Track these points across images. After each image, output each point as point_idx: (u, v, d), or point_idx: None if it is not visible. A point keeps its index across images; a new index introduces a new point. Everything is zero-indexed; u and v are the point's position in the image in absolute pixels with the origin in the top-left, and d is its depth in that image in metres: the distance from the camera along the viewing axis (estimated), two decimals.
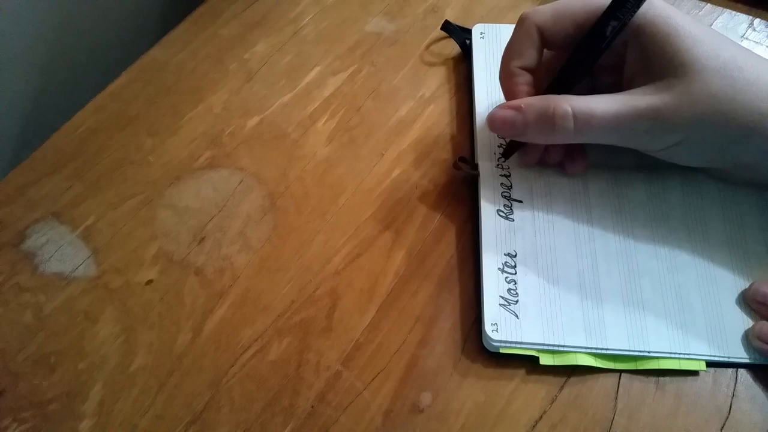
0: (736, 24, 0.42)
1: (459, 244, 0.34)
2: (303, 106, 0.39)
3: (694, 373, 0.29)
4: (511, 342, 0.29)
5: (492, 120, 0.31)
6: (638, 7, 0.28)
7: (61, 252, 0.34)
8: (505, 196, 0.34)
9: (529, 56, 0.31)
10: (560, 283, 0.31)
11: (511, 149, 0.34)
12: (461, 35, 0.41)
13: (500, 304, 0.30)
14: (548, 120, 0.29)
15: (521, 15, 0.32)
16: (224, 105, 0.40)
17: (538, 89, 0.32)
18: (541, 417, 0.29)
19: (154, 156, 0.37)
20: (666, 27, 0.28)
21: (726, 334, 0.29)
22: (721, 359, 0.29)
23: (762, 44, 0.41)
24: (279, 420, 0.29)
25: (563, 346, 0.29)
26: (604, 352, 0.29)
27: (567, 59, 0.31)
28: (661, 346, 0.29)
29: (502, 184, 0.34)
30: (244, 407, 0.29)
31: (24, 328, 0.31)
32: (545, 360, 0.29)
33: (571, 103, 0.29)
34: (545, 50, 0.32)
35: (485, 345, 0.30)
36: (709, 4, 0.43)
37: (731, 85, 0.27)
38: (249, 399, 0.29)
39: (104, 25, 0.49)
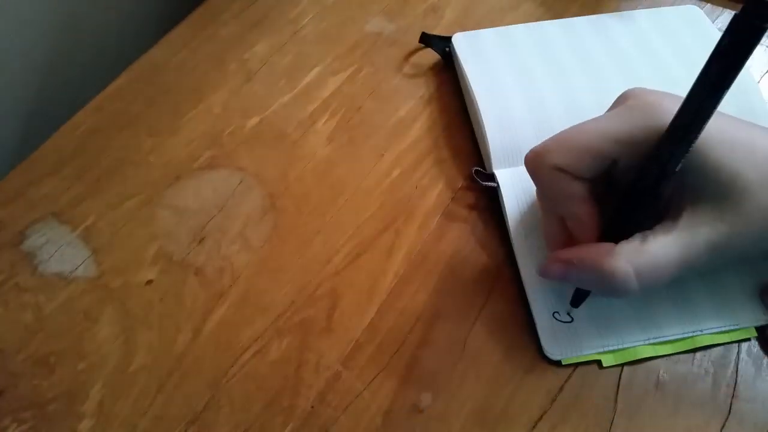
0: None
1: (459, 243, 0.34)
2: (303, 106, 0.39)
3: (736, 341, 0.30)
4: (571, 352, 0.29)
5: (546, 273, 0.28)
6: (684, 154, 0.25)
7: (61, 252, 0.34)
8: (529, 202, 0.33)
9: (576, 191, 0.28)
10: None
11: (580, 297, 0.30)
12: (440, 44, 0.41)
13: (553, 316, 0.30)
14: (605, 281, 0.26)
15: (528, 160, 0.28)
16: (224, 105, 0.40)
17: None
18: (541, 417, 0.29)
19: (154, 156, 0.37)
20: (702, 145, 0.25)
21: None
22: None
23: (762, 44, 0.41)
24: (279, 420, 0.29)
25: (622, 344, 0.29)
26: (660, 340, 0.30)
27: (614, 211, 0.28)
28: (711, 323, 0.30)
29: (524, 189, 0.33)
30: (244, 407, 0.29)
31: (24, 328, 0.31)
32: (607, 361, 0.29)
33: (631, 261, 0.26)
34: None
35: (546, 355, 0.30)
36: (709, 4, 0.43)
37: None
38: (249, 399, 0.29)
39: (104, 25, 0.49)
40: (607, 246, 0.27)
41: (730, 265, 0.30)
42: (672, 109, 0.24)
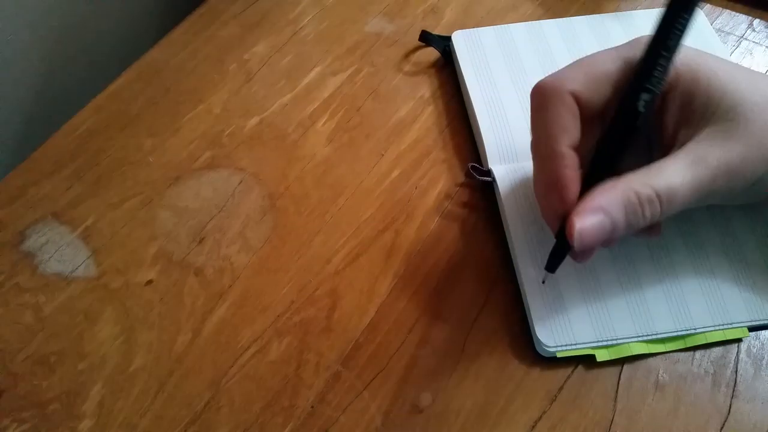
0: (735, 24, 0.42)
1: (459, 243, 0.34)
2: (303, 106, 0.39)
3: (736, 340, 0.30)
4: (565, 345, 0.29)
5: (582, 236, 0.25)
6: (666, 73, 0.26)
7: (61, 252, 0.34)
8: (526, 195, 0.33)
9: (575, 131, 0.27)
10: (598, 273, 0.31)
11: (557, 259, 0.28)
12: (441, 43, 0.41)
13: (549, 307, 0.30)
14: (636, 211, 0.25)
15: (544, 85, 0.28)
16: (224, 105, 0.40)
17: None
18: (540, 417, 0.29)
19: (154, 156, 0.37)
20: (705, 71, 0.26)
21: (762, 296, 0.30)
22: (761, 322, 0.30)
23: (761, 44, 0.41)
24: (279, 420, 0.29)
25: (615, 338, 0.30)
26: (653, 337, 0.30)
27: (603, 136, 0.27)
28: (704, 321, 0.30)
29: (521, 184, 0.34)
30: (244, 407, 0.29)
31: (24, 328, 0.31)
32: (601, 356, 0.29)
33: (650, 184, 0.25)
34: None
35: (539, 351, 0.30)
36: (709, 5, 0.43)
37: None
38: (249, 399, 0.29)
39: (104, 26, 0.49)
40: (615, 182, 0.25)
41: (743, 199, 0.29)
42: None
